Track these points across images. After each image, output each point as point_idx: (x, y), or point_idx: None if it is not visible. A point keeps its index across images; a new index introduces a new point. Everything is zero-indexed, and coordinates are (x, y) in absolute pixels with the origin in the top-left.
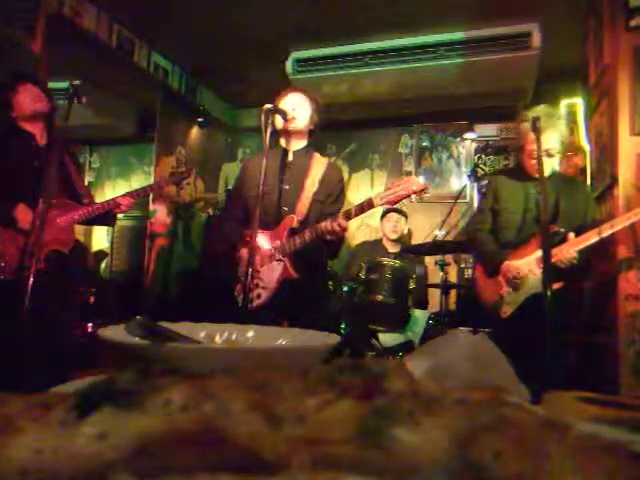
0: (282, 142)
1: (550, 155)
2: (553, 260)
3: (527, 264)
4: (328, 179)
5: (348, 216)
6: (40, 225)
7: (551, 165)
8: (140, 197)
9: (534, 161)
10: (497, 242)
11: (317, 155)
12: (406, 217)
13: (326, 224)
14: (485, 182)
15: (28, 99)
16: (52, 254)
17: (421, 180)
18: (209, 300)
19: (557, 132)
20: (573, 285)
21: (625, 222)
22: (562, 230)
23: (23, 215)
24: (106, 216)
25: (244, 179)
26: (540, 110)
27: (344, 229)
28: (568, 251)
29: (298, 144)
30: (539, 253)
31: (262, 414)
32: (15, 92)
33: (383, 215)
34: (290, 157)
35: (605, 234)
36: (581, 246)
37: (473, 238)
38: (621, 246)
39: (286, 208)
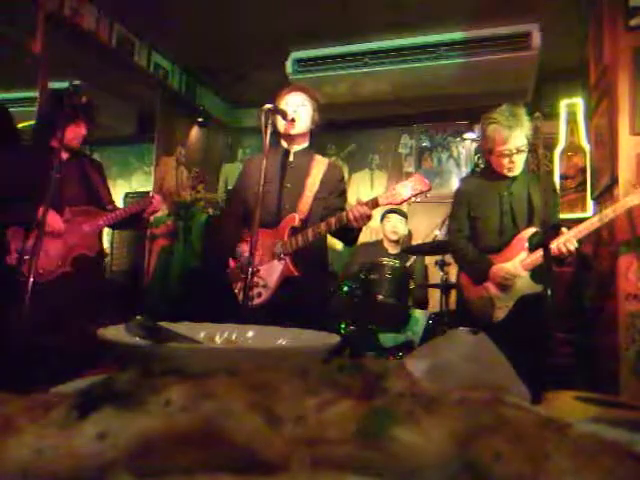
0: (283, 142)
1: (520, 151)
2: (552, 253)
3: (513, 266)
4: (329, 178)
5: (375, 204)
6: (40, 231)
7: (521, 163)
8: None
9: (506, 159)
10: (477, 248)
11: (317, 156)
12: (406, 218)
13: (352, 211)
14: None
15: (69, 137)
16: (78, 258)
17: (425, 180)
18: (209, 300)
19: (523, 130)
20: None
21: (619, 210)
22: (539, 230)
23: (52, 220)
24: (132, 220)
25: (245, 178)
26: (505, 110)
27: (369, 217)
28: (570, 240)
29: (299, 145)
30: (523, 255)
31: (262, 414)
32: (63, 129)
33: (383, 216)
34: (291, 157)
35: (606, 220)
36: (580, 235)
37: (453, 246)
38: (621, 246)
39: (288, 207)
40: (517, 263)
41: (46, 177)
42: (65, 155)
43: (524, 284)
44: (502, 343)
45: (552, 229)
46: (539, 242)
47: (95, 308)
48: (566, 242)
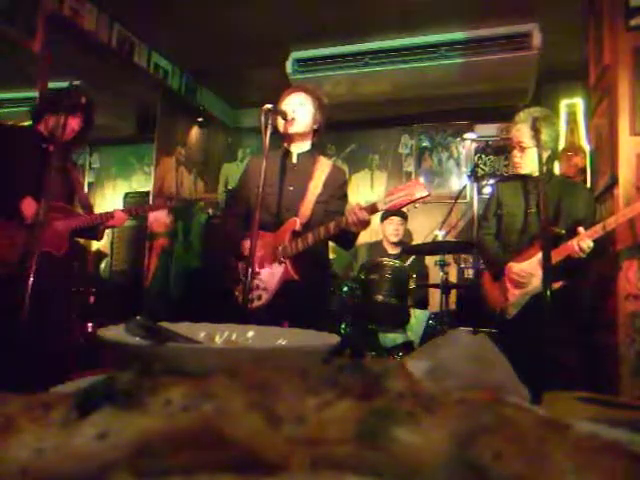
0: (285, 143)
1: (520, 146)
2: (568, 253)
3: (530, 265)
4: (332, 182)
5: (374, 210)
6: (40, 225)
7: (524, 160)
8: (134, 215)
9: (512, 152)
10: (503, 246)
11: (322, 158)
12: (406, 219)
13: (351, 217)
14: (485, 182)
15: (50, 129)
16: (43, 255)
17: (424, 186)
18: (209, 300)
19: (533, 129)
20: (574, 284)
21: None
22: (563, 231)
23: (29, 209)
24: (95, 229)
25: (248, 178)
26: (530, 108)
27: (368, 222)
28: (584, 240)
29: (302, 145)
30: (540, 255)
31: (262, 414)
32: (44, 119)
33: (383, 218)
34: (294, 159)
35: (623, 220)
36: (596, 235)
37: (478, 241)
38: (621, 245)
39: (289, 209)
40: (534, 262)
41: (23, 163)
42: (51, 147)
43: (539, 283)
44: (512, 340)
45: (569, 230)
46: (558, 240)
47: (56, 310)
48: (580, 241)
